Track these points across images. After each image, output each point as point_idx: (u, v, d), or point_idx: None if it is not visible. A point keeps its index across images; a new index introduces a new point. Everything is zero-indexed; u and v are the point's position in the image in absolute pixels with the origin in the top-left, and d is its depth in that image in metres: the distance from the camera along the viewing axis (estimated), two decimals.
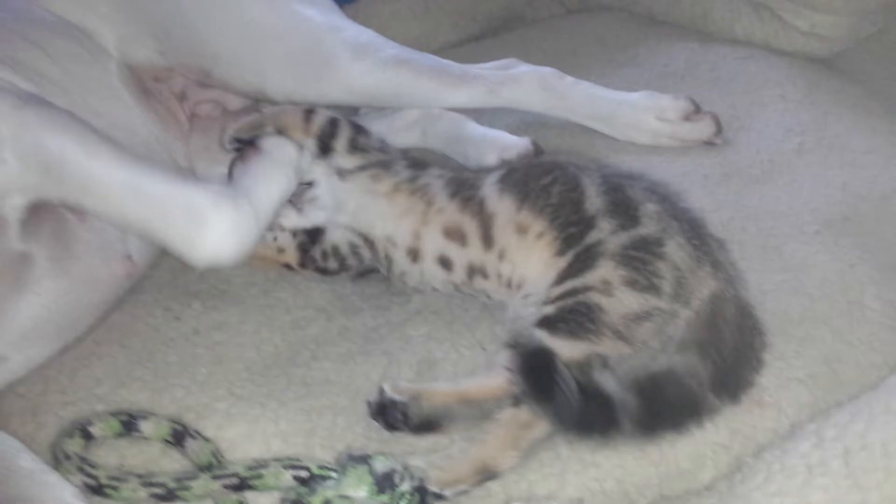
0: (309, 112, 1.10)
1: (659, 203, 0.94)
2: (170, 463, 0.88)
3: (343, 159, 1.07)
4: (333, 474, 0.79)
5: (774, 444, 0.83)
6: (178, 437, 0.88)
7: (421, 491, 0.76)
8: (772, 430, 0.87)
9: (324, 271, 1.11)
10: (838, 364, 0.94)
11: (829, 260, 1.05)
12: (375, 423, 0.90)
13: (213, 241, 0.97)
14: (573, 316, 0.87)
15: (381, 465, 0.77)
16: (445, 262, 1.01)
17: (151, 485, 0.81)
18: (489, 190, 1.00)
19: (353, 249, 1.08)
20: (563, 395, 0.79)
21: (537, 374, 0.81)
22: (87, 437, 0.88)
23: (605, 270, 0.88)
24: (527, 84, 1.34)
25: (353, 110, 1.47)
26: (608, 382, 0.82)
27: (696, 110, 1.31)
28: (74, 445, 0.86)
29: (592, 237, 0.91)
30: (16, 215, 0.98)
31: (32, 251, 1.00)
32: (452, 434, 0.88)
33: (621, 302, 0.87)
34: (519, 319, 0.93)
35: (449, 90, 1.34)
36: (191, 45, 1.32)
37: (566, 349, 0.85)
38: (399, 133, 1.38)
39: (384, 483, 0.75)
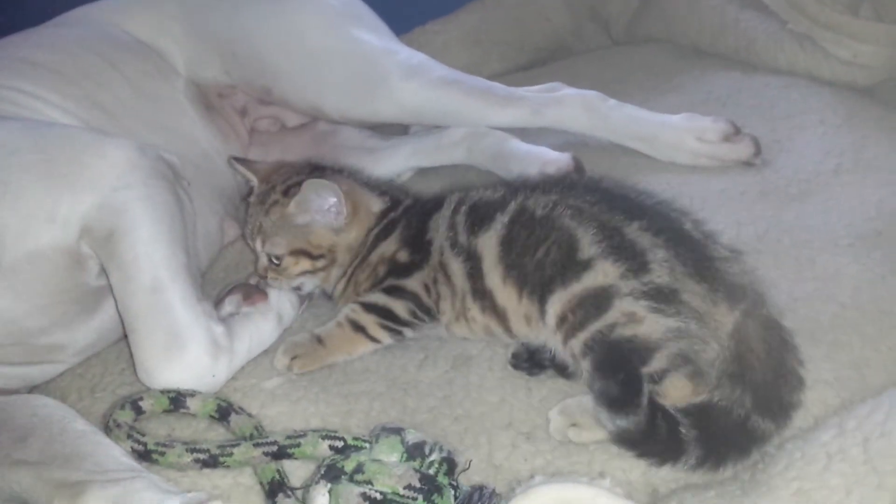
0: None
1: (665, 247, 0.90)
2: (215, 437, 0.92)
3: None
4: (367, 445, 0.82)
5: (797, 437, 0.84)
6: (224, 413, 0.92)
7: (449, 462, 0.78)
8: (797, 429, 0.87)
9: None
10: (867, 369, 0.95)
11: (861, 271, 1.06)
12: (410, 407, 0.94)
13: (170, 374, 0.96)
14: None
15: (412, 437, 0.81)
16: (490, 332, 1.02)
17: (195, 451, 0.85)
18: (492, 280, 0.97)
19: None
20: (638, 401, 0.81)
21: (620, 373, 0.82)
22: (138, 410, 0.93)
23: (625, 305, 0.87)
24: (570, 105, 1.38)
25: (402, 128, 1.53)
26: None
27: (737, 132, 1.33)
28: (125, 416, 0.91)
29: (588, 279, 0.89)
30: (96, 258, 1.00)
31: (107, 284, 1.02)
32: None
33: (657, 322, 0.86)
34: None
35: (494, 110, 1.38)
36: (254, 65, 1.40)
37: None
38: (445, 150, 1.43)
39: (415, 451, 0.79)
